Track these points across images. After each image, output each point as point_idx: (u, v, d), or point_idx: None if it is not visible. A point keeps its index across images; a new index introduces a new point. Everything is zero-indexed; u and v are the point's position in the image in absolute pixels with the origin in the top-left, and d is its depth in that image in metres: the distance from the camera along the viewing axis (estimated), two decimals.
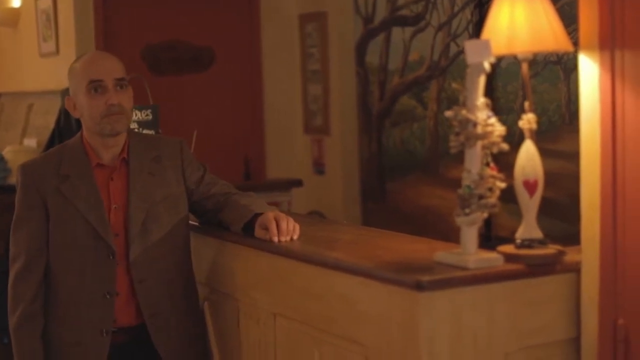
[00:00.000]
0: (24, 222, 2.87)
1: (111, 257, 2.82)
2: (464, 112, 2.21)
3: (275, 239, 2.73)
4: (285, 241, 2.73)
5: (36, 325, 2.84)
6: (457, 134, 2.22)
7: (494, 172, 2.23)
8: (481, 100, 2.22)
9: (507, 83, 4.58)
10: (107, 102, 2.81)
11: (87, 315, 2.83)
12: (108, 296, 2.82)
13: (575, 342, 2.31)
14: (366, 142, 5.76)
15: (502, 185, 2.24)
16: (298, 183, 5.70)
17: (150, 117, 3.80)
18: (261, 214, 2.82)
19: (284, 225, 2.75)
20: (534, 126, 2.35)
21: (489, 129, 2.21)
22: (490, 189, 2.22)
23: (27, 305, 2.83)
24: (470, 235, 2.24)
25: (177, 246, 2.95)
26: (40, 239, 2.86)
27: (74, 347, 2.84)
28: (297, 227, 2.78)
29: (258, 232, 2.79)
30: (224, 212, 2.95)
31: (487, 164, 2.24)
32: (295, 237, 2.76)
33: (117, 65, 2.88)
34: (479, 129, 2.20)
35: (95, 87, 2.82)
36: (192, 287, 3.02)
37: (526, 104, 2.36)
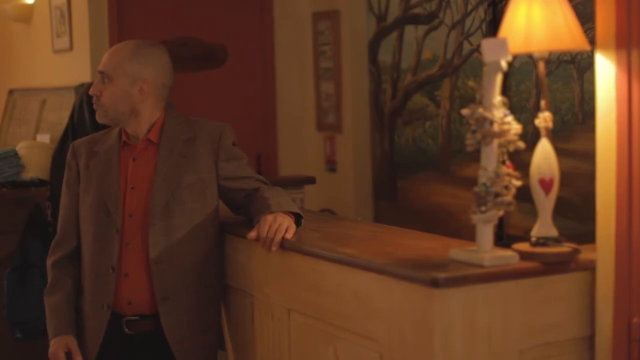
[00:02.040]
0: (63, 196, 3.04)
1: (116, 234, 2.87)
2: (480, 110, 2.22)
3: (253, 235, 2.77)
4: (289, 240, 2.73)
5: (62, 292, 2.97)
6: (474, 132, 2.23)
7: (510, 170, 2.24)
8: (498, 98, 2.23)
9: (520, 82, 4.58)
10: None
11: (93, 288, 2.92)
12: (112, 271, 2.87)
13: (590, 340, 2.32)
14: (378, 140, 5.76)
15: (518, 183, 2.24)
16: (311, 180, 5.70)
17: None
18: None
19: (264, 231, 2.74)
20: (550, 125, 2.35)
21: (506, 127, 2.22)
22: (506, 187, 2.22)
23: (57, 272, 3.00)
24: (485, 232, 2.25)
25: (201, 235, 2.94)
26: (72, 213, 3.00)
27: (81, 317, 2.97)
28: (283, 234, 2.73)
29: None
30: (250, 206, 2.94)
31: (503, 162, 2.24)
32: (280, 237, 2.73)
33: (108, 57, 2.95)
34: (496, 127, 2.21)
35: None
36: (213, 280, 3.00)
37: (542, 103, 2.36)
